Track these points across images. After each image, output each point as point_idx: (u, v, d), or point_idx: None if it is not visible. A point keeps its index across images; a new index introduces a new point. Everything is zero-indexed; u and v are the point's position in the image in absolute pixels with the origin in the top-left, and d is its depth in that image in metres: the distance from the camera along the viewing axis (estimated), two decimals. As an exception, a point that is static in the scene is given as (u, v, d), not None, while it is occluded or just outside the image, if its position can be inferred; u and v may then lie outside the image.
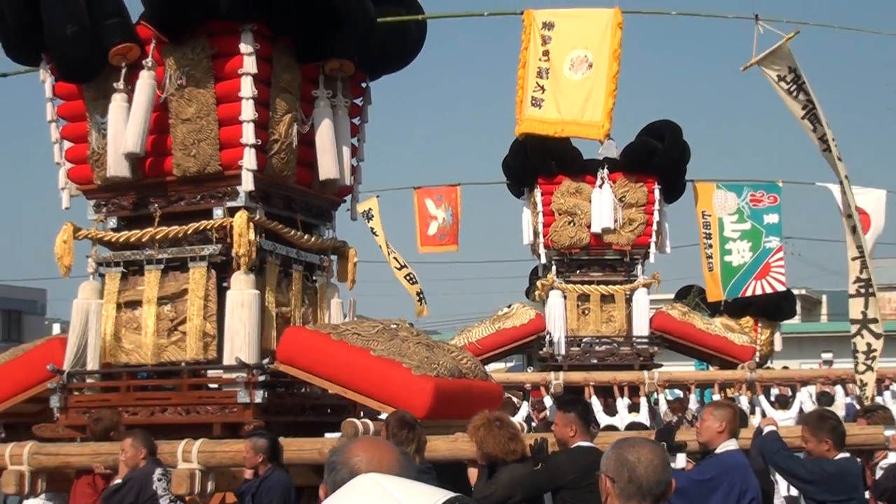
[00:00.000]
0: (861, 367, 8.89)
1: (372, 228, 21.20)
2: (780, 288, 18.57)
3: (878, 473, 8.38)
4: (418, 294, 22.41)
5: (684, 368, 22.63)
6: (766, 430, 7.92)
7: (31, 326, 54.11)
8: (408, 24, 10.24)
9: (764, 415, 17.80)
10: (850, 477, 7.42)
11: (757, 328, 22.78)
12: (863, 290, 8.78)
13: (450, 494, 1.23)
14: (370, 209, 20.96)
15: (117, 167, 9.31)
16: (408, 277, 22.22)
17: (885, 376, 18.05)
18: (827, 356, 23.84)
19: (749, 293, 18.50)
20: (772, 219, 18.19)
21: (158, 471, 8.07)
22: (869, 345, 8.82)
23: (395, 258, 22.08)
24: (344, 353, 8.83)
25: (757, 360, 20.48)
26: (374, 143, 10.44)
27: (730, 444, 7.03)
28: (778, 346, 23.62)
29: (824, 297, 53.63)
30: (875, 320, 8.76)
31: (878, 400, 17.65)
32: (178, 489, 8.40)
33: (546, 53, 9.33)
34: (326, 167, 9.61)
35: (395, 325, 9.40)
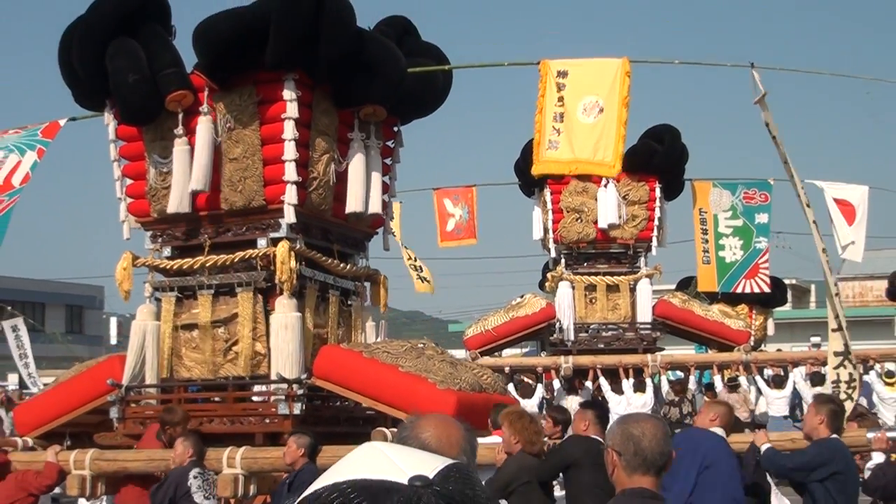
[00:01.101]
0: (843, 396, 8.80)
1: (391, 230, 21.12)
2: (766, 289, 18.59)
3: (867, 474, 8.38)
4: (421, 277, 22.25)
5: (685, 352, 22.54)
6: (763, 448, 7.92)
7: (90, 320, 54.40)
8: (435, 73, 10.26)
9: (760, 392, 17.80)
10: (841, 450, 7.42)
11: (752, 315, 22.68)
12: (842, 325, 8.72)
13: (448, 461, 1.18)
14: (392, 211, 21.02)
15: (181, 204, 9.38)
16: (413, 267, 22.11)
17: (870, 357, 18.07)
18: (815, 340, 23.81)
19: (739, 290, 18.49)
20: (762, 218, 18.19)
21: (195, 470, 8.08)
22: (850, 374, 8.73)
23: (408, 254, 22.03)
24: (375, 369, 8.88)
25: (752, 343, 20.44)
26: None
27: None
28: (771, 330, 23.56)
29: (812, 287, 53.25)
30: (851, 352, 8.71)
31: (865, 378, 17.69)
32: (223, 492, 8.46)
33: (561, 100, 9.35)
34: (353, 202, 9.65)
35: (421, 345, 9.43)
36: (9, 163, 10.91)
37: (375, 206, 9.91)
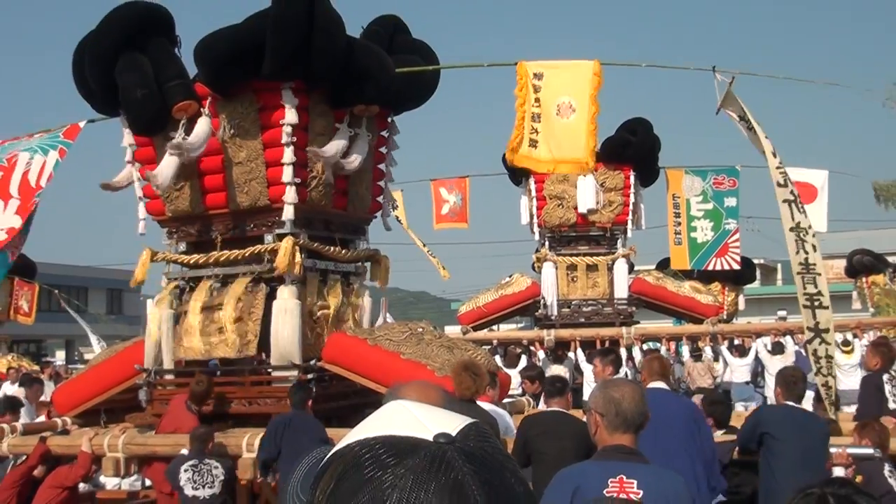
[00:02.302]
0: (822, 375, 8.58)
1: (397, 217, 21.21)
2: (736, 266, 18.57)
3: None
4: (440, 264, 22.68)
5: (663, 324, 22.55)
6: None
7: (129, 301, 54.88)
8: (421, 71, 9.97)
9: (726, 362, 17.75)
10: (778, 414, 7.27)
11: (724, 291, 22.66)
12: (809, 304, 8.46)
13: (469, 420, 1.16)
14: (395, 200, 21.10)
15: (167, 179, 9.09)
16: (431, 254, 22.51)
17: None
18: (782, 314, 23.78)
19: (710, 268, 18.48)
20: (731, 202, 18.08)
21: (188, 463, 8.03)
22: (827, 352, 8.48)
23: (419, 238, 22.37)
24: (378, 356, 8.78)
25: (724, 317, 20.40)
26: (400, 146, 10.37)
27: None
28: (742, 305, 23.59)
29: (779, 265, 53.86)
30: (827, 330, 8.44)
31: (818, 348, 17.61)
32: (244, 475, 8.36)
33: (538, 100, 9.13)
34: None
35: (420, 329, 9.27)
36: (35, 164, 10.66)
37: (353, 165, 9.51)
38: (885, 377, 9.56)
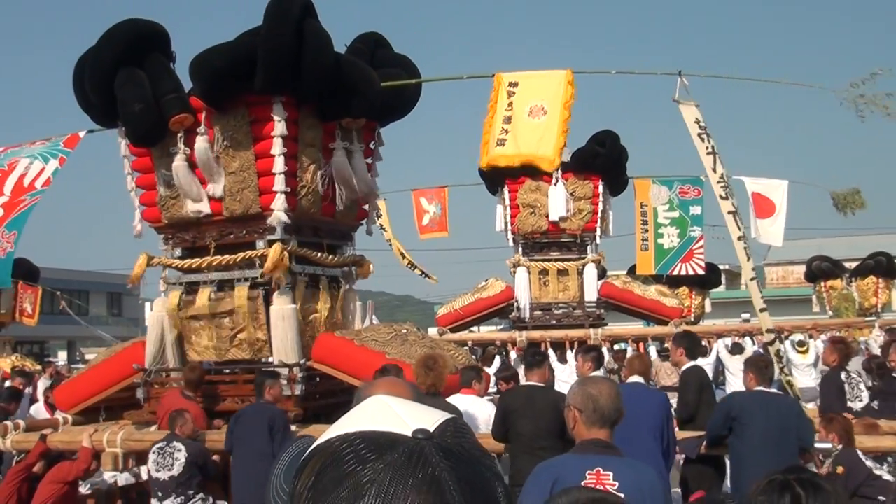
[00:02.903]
0: (787, 371, 8.66)
1: (381, 225, 21.21)
2: (700, 271, 18.62)
3: None
4: (422, 273, 22.68)
5: (633, 326, 22.60)
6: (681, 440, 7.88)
7: (128, 305, 54.69)
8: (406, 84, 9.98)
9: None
10: (745, 400, 7.26)
11: (691, 295, 22.77)
12: (766, 307, 8.53)
13: (448, 416, 1.15)
14: (379, 210, 21.12)
15: (202, 206, 9.24)
16: (411, 266, 22.54)
17: (783, 328, 18.08)
18: (745, 316, 23.97)
19: (675, 273, 18.53)
20: (696, 210, 18.19)
21: (157, 446, 8.14)
22: (779, 350, 8.55)
23: (399, 248, 22.37)
24: (364, 355, 8.74)
25: (691, 319, 20.48)
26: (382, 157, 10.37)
27: None
28: (708, 308, 23.69)
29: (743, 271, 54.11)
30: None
31: (780, 348, 17.69)
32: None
33: (510, 105, 9.11)
34: (339, 202, 9.53)
35: (405, 331, 9.27)
36: (33, 168, 10.61)
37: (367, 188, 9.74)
38: (843, 375, 9.66)
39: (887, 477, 7.00)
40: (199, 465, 8.10)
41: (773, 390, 7.48)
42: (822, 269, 26.59)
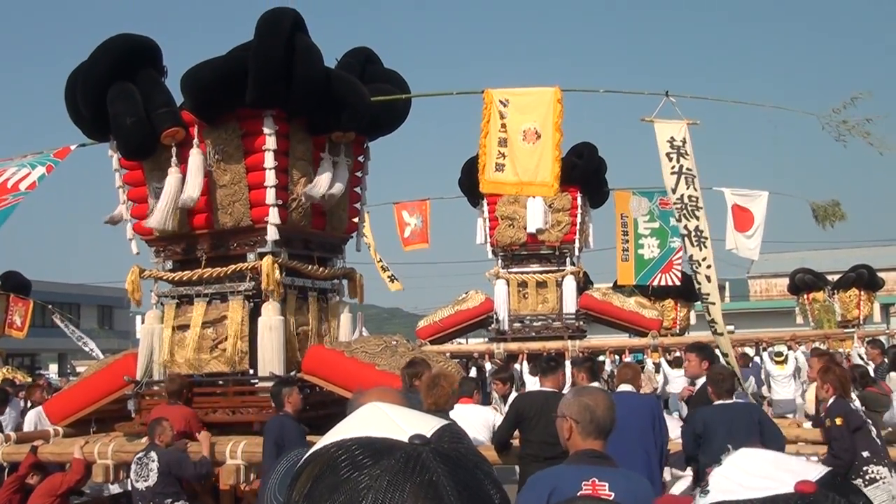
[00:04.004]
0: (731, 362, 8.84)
1: (364, 236, 21.14)
2: (678, 282, 18.58)
3: None
4: (390, 277, 22.56)
5: (620, 337, 22.57)
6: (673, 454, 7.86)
7: (119, 318, 54.47)
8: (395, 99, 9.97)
9: (665, 374, 17.63)
10: (708, 414, 7.21)
11: (676, 307, 22.73)
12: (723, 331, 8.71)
13: (444, 422, 1.14)
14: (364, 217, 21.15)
15: (165, 222, 9.07)
16: (382, 267, 22.40)
17: (762, 340, 18.06)
18: (730, 328, 23.83)
19: (655, 283, 18.46)
20: (676, 221, 18.00)
21: (137, 455, 8.10)
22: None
23: (378, 259, 22.29)
24: (354, 367, 8.70)
25: (676, 330, 20.36)
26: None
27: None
28: (693, 320, 23.61)
29: (727, 283, 54.28)
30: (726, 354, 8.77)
31: (756, 359, 17.59)
32: (227, 480, 8.26)
33: (504, 126, 9.12)
34: (313, 190, 9.22)
35: (395, 342, 9.23)
36: (19, 174, 10.55)
37: (336, 193, 9.48)
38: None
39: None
40: (174, 473, 8.00)
41: (734, 400, 7.39)
42: (804, 282, 26.68)
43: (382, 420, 1.13)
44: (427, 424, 1.13)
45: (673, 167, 8.76)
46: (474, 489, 1.07)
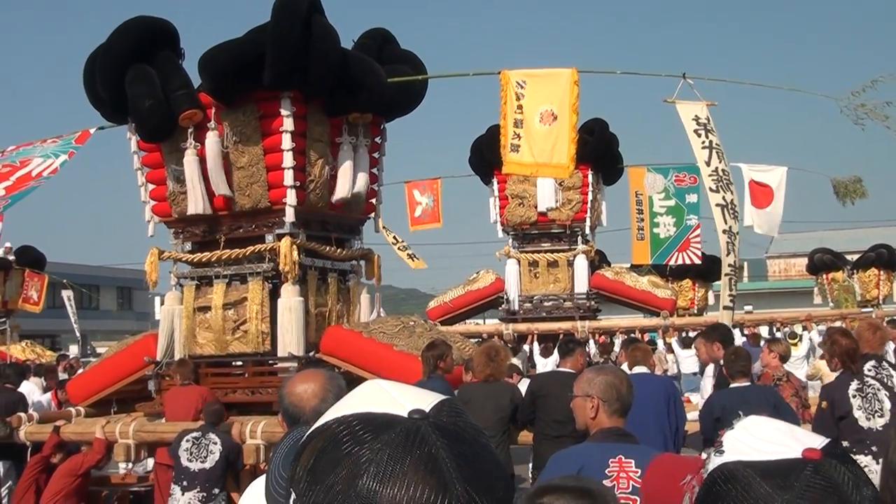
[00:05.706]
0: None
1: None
2: (697, 260, 18.25)
3: None
4: (410, 255, 22.47)
5: (635, 317, 22.47)
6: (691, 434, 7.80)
7: (138, 299, 54.77)
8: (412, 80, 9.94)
9: (676, 354, 17.47)
10: (724, 398, 7.09)
11: (694, 287, 22.63)
12: (731, 305, 8.58)
13: (443, 397, 1.16)
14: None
15: (202, 207, 9.16)
16: (400, 248, 22.30)
17: (776, 320, 17.91)
18: (748, 308, 23.78)
19: (672, 262, 18.22)
20: (692, 198, 17.70)
21: (190, 435, 8.06)
22: None
23: (393, 236, 22.14)
24: (373, 347, 8.74)
25: (694, 310, 20.26)
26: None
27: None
28: (711, 301, 23.47)
29: (746, 263, 53.95)
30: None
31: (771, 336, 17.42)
32: (248, 460, 8.31)
33: (520, 107, 9.08)
34: (340, 192, 9.38)
35: (412, 322, 9.26)
36: (45, 163, 10.62)
37: (362, 189, 9.60)
38: (854, 384, 7.15)
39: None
40: (231, 461, 8.07)
41: (748, 383, 7.21)
42: (823, 262, 26.56)
43: (382, 396, 1.16)
44: (426, 400, 1.15)
45: (703, 142, 8.73)
46: (473, 461, 1.10)
